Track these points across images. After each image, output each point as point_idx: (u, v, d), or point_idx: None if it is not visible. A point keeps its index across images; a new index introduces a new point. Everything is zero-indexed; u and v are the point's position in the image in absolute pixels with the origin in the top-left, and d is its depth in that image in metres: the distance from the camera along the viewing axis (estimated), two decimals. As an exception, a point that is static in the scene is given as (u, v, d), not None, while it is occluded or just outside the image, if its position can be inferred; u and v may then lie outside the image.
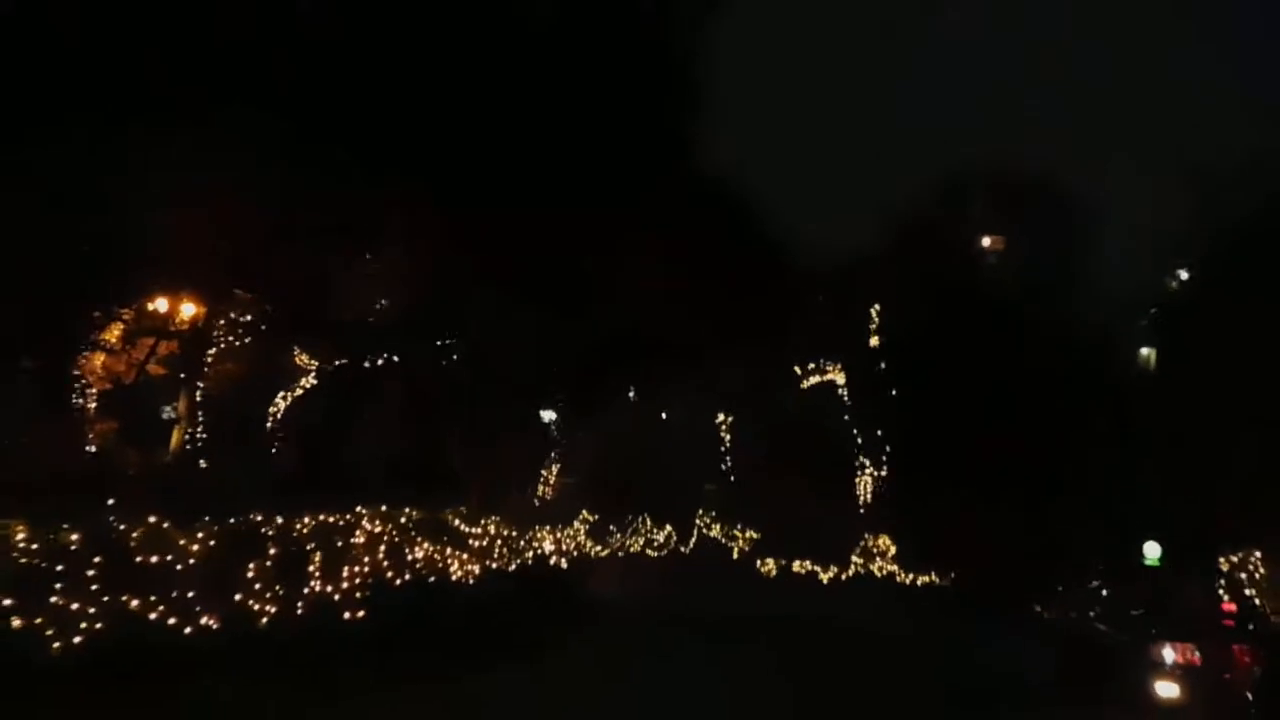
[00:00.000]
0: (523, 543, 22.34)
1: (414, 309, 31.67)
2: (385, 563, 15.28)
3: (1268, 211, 34.97)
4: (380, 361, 33.87)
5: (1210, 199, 35.92)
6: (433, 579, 16.29)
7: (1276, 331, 32.81)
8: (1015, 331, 36.22)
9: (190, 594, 12.10)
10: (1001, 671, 17.23)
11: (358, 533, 15.39)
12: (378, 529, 15.78)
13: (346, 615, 13.88)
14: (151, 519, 12.49)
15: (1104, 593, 19.28)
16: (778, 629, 23.30)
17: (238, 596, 12.69)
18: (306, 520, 14.76)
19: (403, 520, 17.72)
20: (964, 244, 43.96)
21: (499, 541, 20.53)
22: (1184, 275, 45.16)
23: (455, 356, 34.17)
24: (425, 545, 17.36)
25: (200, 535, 12.76)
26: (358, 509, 16.67)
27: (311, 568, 13.88)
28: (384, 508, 17.39)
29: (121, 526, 12.19)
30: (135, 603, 11.51)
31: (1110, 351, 41.26)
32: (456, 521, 20.55)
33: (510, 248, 31.24)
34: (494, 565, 19.41)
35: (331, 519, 15.49)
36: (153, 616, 11.60)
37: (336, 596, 13.88)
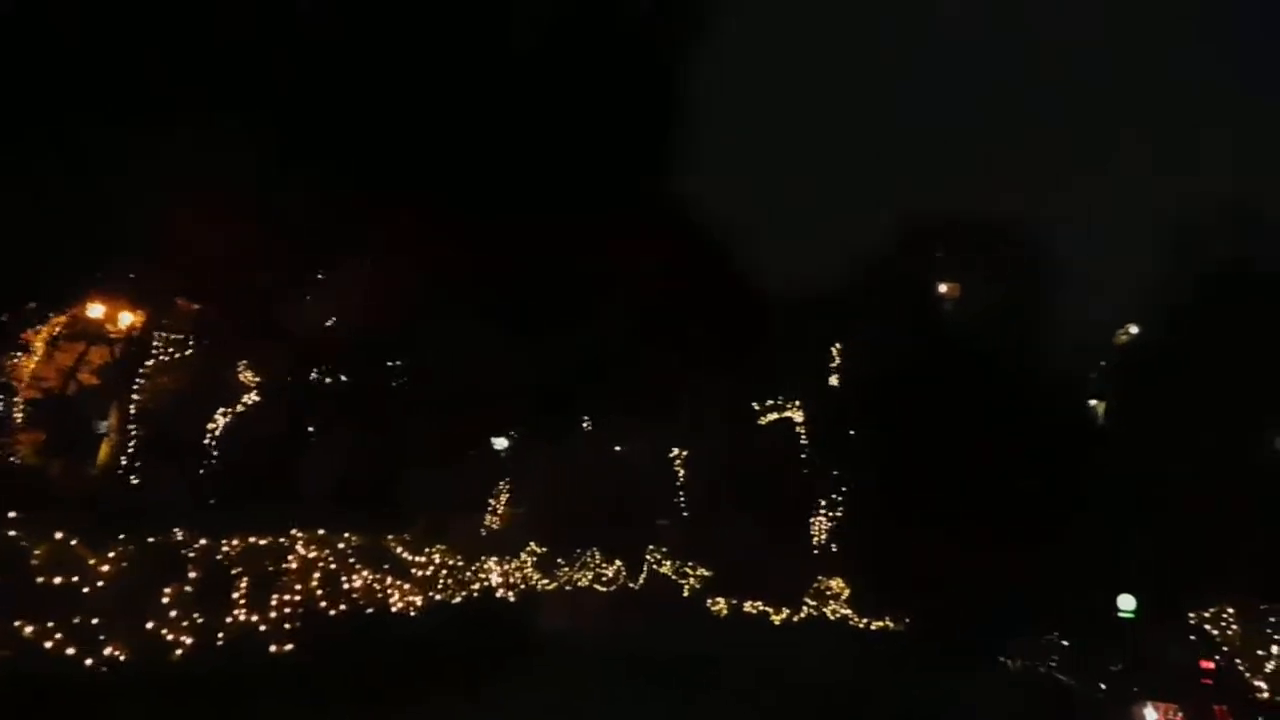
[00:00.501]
0: (469, 573, 20.95)
1: (365, 327, 30.39)
2: (319, 591, 13.90)
3: (1231, 266, 35.13)
4: (328, 380, 32.46)
5: (1175, 250, 36.11)
6: (370, 610, 14.91)
7: (1228, 383, 32.77)
8: (975, 376, 35.66)
9: (95, 620, 10.70)
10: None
11: (290, 557, 14.02)
12: (313, 554, 14.40)
13: (273, 648, 12.49)
14: (58, 535, 11.10)
15: (1063, 643, 18.38)
16: (727, 674, 22.29)
17: (150, 624, 11.27)
18: (234, 542, 13.37)
19: (340, 545, 16.34)
20: (923, 288, 43.54)
21: (444, 571, 19.15)
22: (1134, 330, 45.22)
23: (405, 378, 32.83)
24: (364, 573, 15.99)
25: (112, 554, 11.37)
26: (292, 531, 15.28)
27: (236, 594, 12.50)
28: (321, 531, 15.99)
29: (22, 543, 10.79)
30: (30, 629, 10.09)
31: (1068, 398, 40.93)
32: (400, 549, 19.17)
33: (467, 268, 30.11)
34: (438, 597, 18.02)
35: (262, 541, 14.11)
36: (48, 645, 10.17)
37: (263, 627, 12.50)
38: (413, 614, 16.24)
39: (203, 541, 12.47)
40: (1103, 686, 14.32)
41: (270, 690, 12.05)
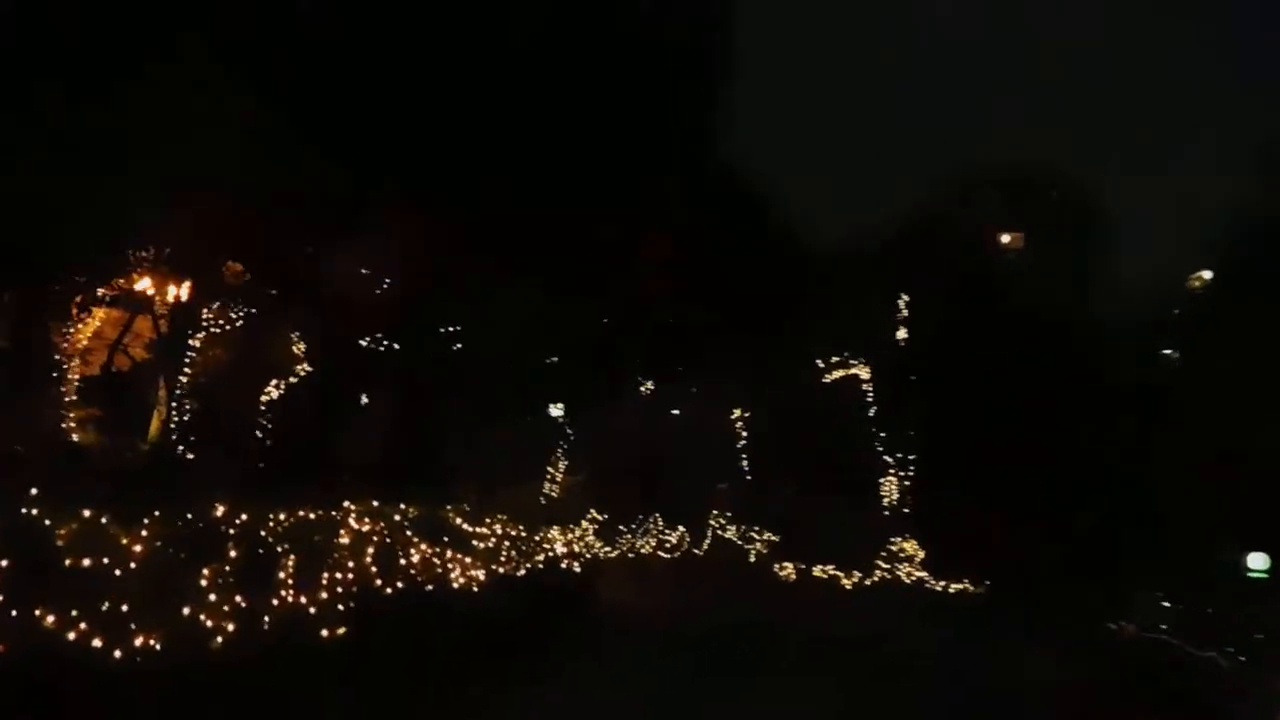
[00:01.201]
0: (531, 544, 19.60)
1: (415, 292, 29.10)
2: (374, 568, 12.58)
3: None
4: (378, 348, 31.26)
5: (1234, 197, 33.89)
6: (430, 586, 13.56)
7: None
8: (1042, 328, 33.58)
9: (125, 606, 9.42)
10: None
11: (342, 532, 12.69)
12: (366, 527, 13.08)
13: (324, 631, 11.19)
14: (87, 512, 9.84)
15: (1172, 606, 16.55)
16: (799, 644, 20.76)
17: (186, 610, 9.98)
18: (281, 516, 12.06)
19: (396, 518, 15.02)
20: (980, 240, 41.28)
21: (506, 543, 17.80)
22: (1207, 275, 42.56)
23: (458, 344, 31.53)
24: (423, 547, 14.65)
25: (145, 533, 10.09)
26: (344, 504, 13.98)
27: (283, 574, 11.19)
28: (375, 503, 14.68)
29: (46, 522, 9.52)
30: (51, 618, 8.82)
31: (1141, 347, 38.60)
32: (459, 520, 17.84)
33: (518, 231, 28.60)
34: (501, 570, 16.67)
35: (312, 515, 12.79)
36: (72, 636, 8.89)
37: (312, 609, 11.20)
38: (475, 589, 14.89)
39: (244, 517, 11.17)
40: (1241, 658, 12.60)
41: (321, 677, 10.76)
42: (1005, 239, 42.78)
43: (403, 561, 13.63)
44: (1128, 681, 15.47)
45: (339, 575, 12.05)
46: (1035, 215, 42.58)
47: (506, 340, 30.93)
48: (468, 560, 15.43)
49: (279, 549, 11.47)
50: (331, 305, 27.99)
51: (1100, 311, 39.05)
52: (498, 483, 31.88)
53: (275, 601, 11.03)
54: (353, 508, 13.83)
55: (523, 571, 17.39)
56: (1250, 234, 34.85)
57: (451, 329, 30.28)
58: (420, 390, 30.31)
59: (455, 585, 14.41)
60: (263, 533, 11.46)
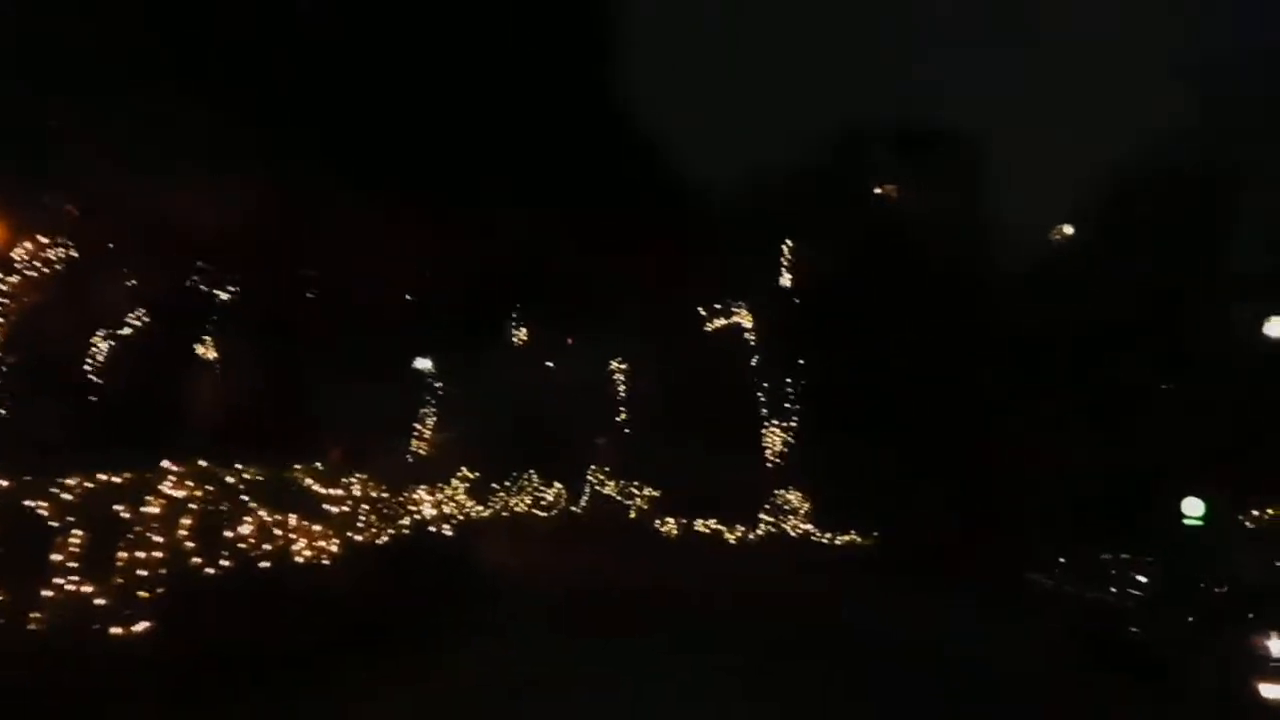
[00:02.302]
0: (396, 506, 16.91)
1: (266, 231, 25.73)
2: (192, 543, 9.82)
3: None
4: (227, 294, 27.69)
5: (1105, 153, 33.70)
6: (266, 563, 10.83)
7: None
8: (927, 279, 32.33)
9: None
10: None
11: (151, 500, 9.87)
12: (184, 492, 10.27)
13: (117, 630, 8.45)
14: None
15: (1108, 558, 15.14)
16: (682, 603, 18.98)
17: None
18: (72, 483, 9.17)
19: (230, 480, 12.16)
20: (865, 192, 39.89)
21: (365, 506, 15.08)
22: (1068, 230, 42.28)
23: (314, 288, 28.25)
24: (261, 515, 11.89)
25: None
26: (162, 464, 11.09)
27: (61, 556, 8.37)
28: (202, 463, 11.79)
29: None
30: None
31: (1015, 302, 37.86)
32: (309, 481, 15.01)
33: (383, 161, 25.50)
34: (359, 538, 13.98)
35: (117, 480, 9.92)
36: None
37: (100, 600, 8.43)
38: (326, 563, 12.21)
39: (3, 484, 8.29)
40: (1190, 618, 11.18)
41: (115, 686, 8.06)
42: (888, 190, 41.62)
43: (231, 534, 10.85)
44: (1068, 649, 13.89)
45: (143, 555, 9.25)
46: (921, 168, 41.36)
47: (368, 283, 27.87)
48: (317, 529, 12.70)
49: (57, 524, 8.60)
50: (170, 243, 24.46)
51: (984, 263, 38.22)
52: (360, 440, 28.98)
53: (48, 592, 8.20)
54: (172, 469, 10.94)
55: (385, 539, 14.72)
56: (1113, 190, 34.57)
57: (307, 270, 27.00)
58: (272, 339, 27.02)
59: (301, 559, 11.70)
60: (33, 504, 8.57)
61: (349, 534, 13.94)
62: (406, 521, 16.50)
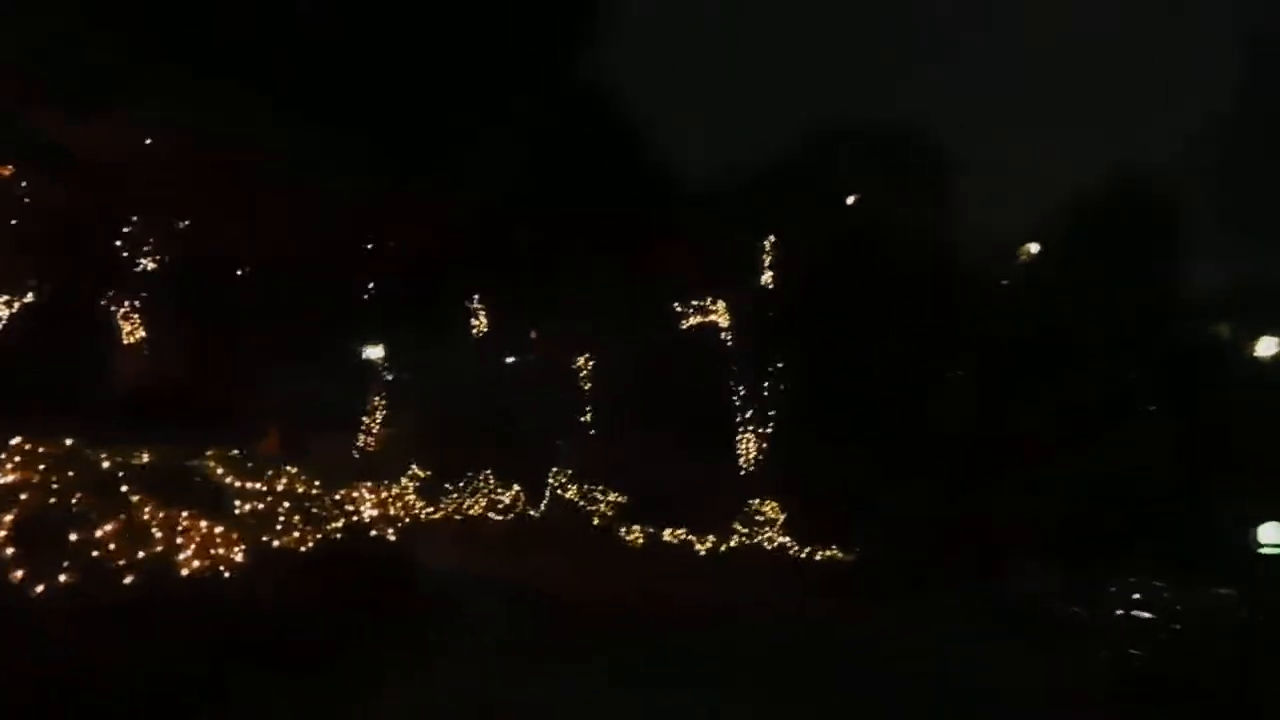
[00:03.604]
0: (329, 505, 13.87)
1: (194, 198, 22.59)
2: (17, 550, 6.84)
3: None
4: (141, 260, 24.35)
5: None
6: (130, 577, 7.83)
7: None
8: (907, 283, 29.87)
9: None
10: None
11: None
12: (10, 478, 7.29)
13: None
14: None
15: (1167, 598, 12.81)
16: (649, 615, 16.82)
17: None
18: None
19: (107, 465, 9.15)
20: (843, 192, 37.38)
21: (287, 504, 12.06)
22: (1034, 249, 40.44)
23: (254, 262, 25.02)
24: (149, 510, 8.90)
25: None
26: (13, 442, 8.10)
27: None
28: (69, 441, 8.80)
29: None
30: None
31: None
32: (220, 471, 11.99)
33: (331, 119, 22.43)
34: (276, 543, 10.97)
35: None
36: None
37: None
38: (227, 574, 9.21)
39: None
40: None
41: None
42: (861, 196, 39.28)
43: (101, 534, 7.84)
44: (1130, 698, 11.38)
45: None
46: (897, 172, 38.98)
47: (316, 259, 24.74)
48: (219, 531, 9.67)
49: None
50: (84, 199, 21.19)
51: (962, 271, 35.94)
52: (300, 429, 25.82)
53: None
54: (22, 445, 7.93)
55: (310, 544, 11.68)
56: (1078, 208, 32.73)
57: (245, 240, 23.77)
58: (204, 312, 23.79)
59: (188, 570, 8.68)
60: None
61: (265, 538, 10.89)
62: (341, 524, 13.45)
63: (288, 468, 14.41)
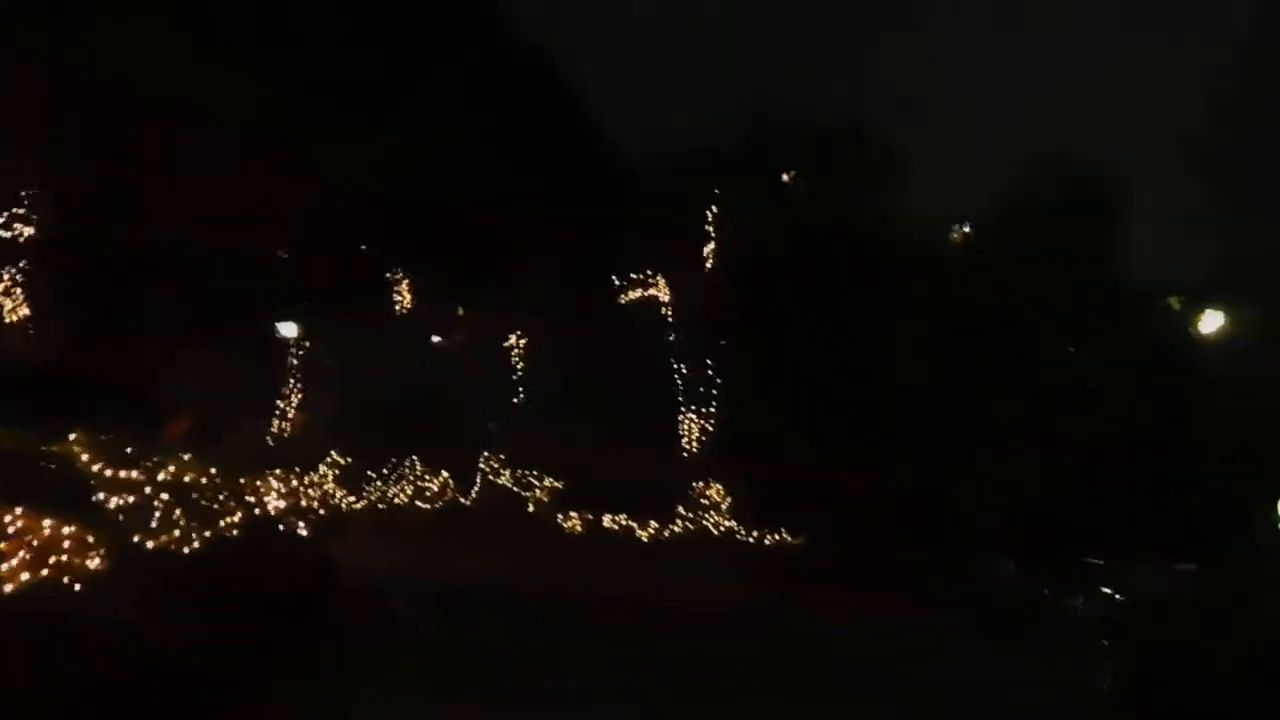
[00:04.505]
0: (226, 496, 11.59)
1: (88, 148, 19.89)
2: None
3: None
4: (27, 224, 21.46)
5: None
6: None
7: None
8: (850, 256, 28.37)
9: None
10: None
11: None
12: None
13: None
14: None
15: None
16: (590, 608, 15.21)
17: None
18: None
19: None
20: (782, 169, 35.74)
21: (165, 496, 9.80)
22: (965, 229, 39.59)
23: (150, 227, 22.25)
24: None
25: None
26: None
27: None
28: None
29: None
30: None
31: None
32: (87, 457, 9.71)
33: (233, 63, 19.89)
34: (150, 543, 8.74)
35: None
36: None
37: None
38: (75, 586, 7.01)
39: None
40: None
41: None
42: (793, 174, 37.75)
43: None
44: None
45: None
46: (836, 151, 37.51)
47: (222, 226, 22.11)
48: (67, 532, 7.42)
49: None
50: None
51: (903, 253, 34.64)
52: (207, 414, 23.28)
53: None
54: None
55: (195, 544, 9.45)
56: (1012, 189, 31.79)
57: (139, 202, 21.03)
58: (92, 284, 21.07)
59: (10, 586, 6.46)
60: None
61: (135, 538, 8.62)
62: (236, 517, 11.19)
63: (181, 454, 12.11)
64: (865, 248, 28.77)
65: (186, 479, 10.98)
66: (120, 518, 9.02)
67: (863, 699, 10.69)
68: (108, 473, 9.89)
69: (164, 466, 11.09)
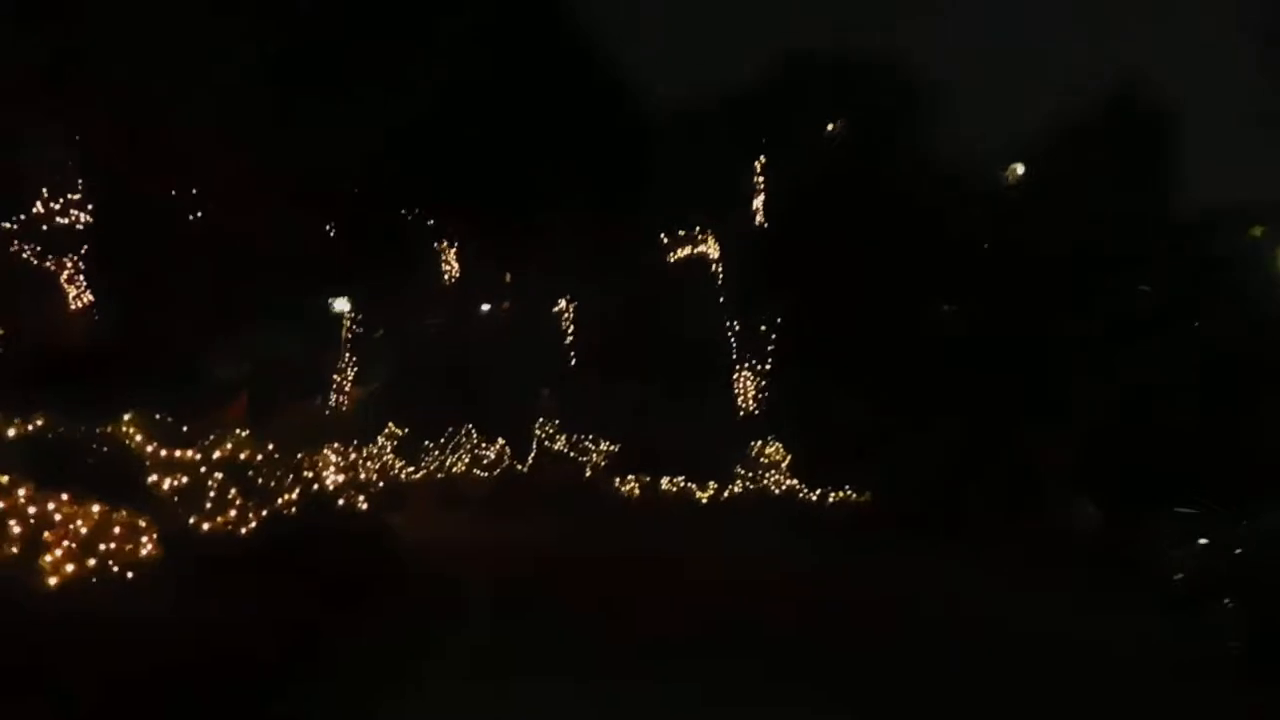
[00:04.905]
0: (282, 473, 11.31)
1: (118, 135, 19.62)
2: None
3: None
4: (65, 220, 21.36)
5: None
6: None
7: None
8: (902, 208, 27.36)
9: None
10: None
11: None
12: None
13: None
14: None
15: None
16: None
17: None
18: None
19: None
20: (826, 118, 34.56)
21: (219, 475, 9.50)
22: (1020, 170, 38.05)
23: (195, 214, 22.07)
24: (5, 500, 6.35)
25: None
26: None
27: None
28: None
29: None
30: None
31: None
32: (140, 438, 9.46)
33: (267, 37, 19.53)
34: (206, 526, 8.46)
35: None
36: None
37: None
38: (128, 575, 6.71)
39: None
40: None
41: None
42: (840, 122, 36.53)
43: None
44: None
45: None
46: (881, 97, 36.23)
47: (269, 207, 21.84)
48: (119, 517, 7.12)
49: None
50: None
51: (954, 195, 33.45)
52: (265, 393, 23.20)
53: None
54: None
55: (252, 524, 9.17)
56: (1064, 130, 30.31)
57: (186, 185, 20.84)
58: (143, 268, 20.95)
59: (55, 578, 6.16)
60: None
61: (190, 520, 8.34)
62: (295, 494, 10.91)
63: (238, 431, 11.85)
64: (915, 192, 27.78)
65: (242, 457, 10.71)
66: (174, 499, 8.74)
67: (947, 660, 9.89)
68: (162, 453, 9.65)
69: (220, 445, 10.83)
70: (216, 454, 10.48)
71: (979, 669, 9.03)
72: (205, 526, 8.53)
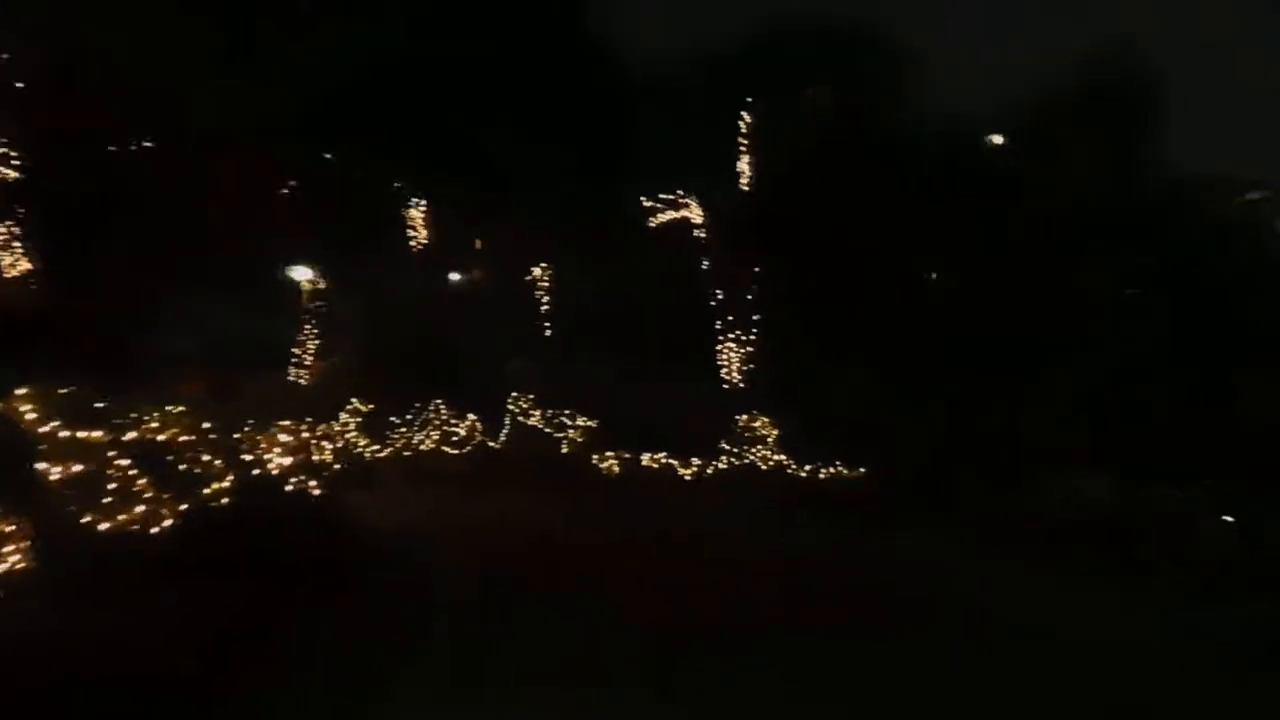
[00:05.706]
0: (210, 458, 9.61)
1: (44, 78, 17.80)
2: None
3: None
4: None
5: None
6: None
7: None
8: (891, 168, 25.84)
9: None
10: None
11: None
12: None
13: None
14: None
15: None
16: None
17: None
18: None
19: None
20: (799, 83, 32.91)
21: (124, 462, 7.83)
22: (998, 140, 36.69)
23: (133, 168, 20.13)
24: None
25: None
26: None
27: None
28: None
29: None
30: None
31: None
32: (36, 417, 7.73)
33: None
34: (106, 525, 6.80)
35: None
36: None
37: None
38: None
39: None
40: None
41: None
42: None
43: None
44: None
45: None
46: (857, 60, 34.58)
47: (217, 159, 19.97)
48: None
49: None
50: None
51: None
52: (224, 367, 21.51)
53: None
54: None
55: (167, 519, 7.49)
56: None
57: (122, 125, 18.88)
58: (76, 236, 19.07)
59: None
60: None
61: (84, 519, 6.63)
62: (228, 483, 9.22)
63: (169, 408, 10.15)
64: (904, 157, 26.29)
65: (162, 438, 9.00)
66: (68, 492, 7.06)
67: (954, 653, 8.77)
68: (61, 434, 7.96)
69: (138, 424, 9.14)
70: (130, 435, 8.79)
71: (979, 669, 8.33)
72: (104, 526, 6.86)
